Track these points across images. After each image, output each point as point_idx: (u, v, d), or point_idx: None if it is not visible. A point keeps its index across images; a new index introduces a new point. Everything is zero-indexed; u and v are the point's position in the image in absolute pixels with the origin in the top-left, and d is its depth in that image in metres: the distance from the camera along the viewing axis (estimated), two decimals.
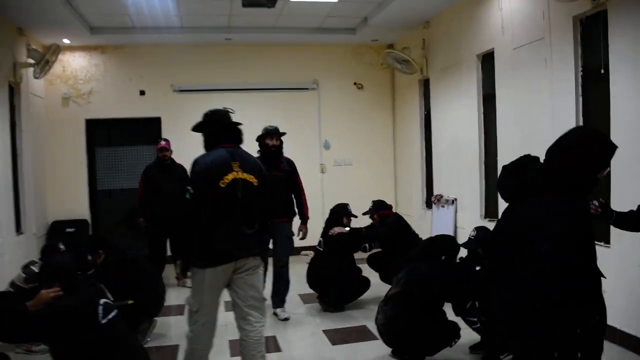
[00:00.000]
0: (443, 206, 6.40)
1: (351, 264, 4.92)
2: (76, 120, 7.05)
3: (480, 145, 5.59)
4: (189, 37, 6.90)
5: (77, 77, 7.06)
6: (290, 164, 4.67)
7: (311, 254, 7.39)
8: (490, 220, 5.20)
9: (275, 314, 4.65)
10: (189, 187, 2.83)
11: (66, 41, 6.68)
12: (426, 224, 6.72)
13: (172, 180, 5.57)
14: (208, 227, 2.77)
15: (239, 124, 3.03)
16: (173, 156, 5.90)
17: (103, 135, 7.32)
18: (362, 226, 5.19)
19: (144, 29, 6.52)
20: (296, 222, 4.80)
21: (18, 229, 5.89)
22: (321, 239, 4.96)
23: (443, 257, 3.60)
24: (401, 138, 7.85)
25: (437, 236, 4.37)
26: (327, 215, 5.10)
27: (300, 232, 4.76)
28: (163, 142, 5.84)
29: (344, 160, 7.82)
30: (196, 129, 3.00)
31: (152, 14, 5.99)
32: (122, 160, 7.26)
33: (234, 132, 2.98)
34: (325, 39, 7.31)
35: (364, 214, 5.16)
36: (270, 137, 4.43)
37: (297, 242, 4.87)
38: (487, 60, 5.41)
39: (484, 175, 5.58)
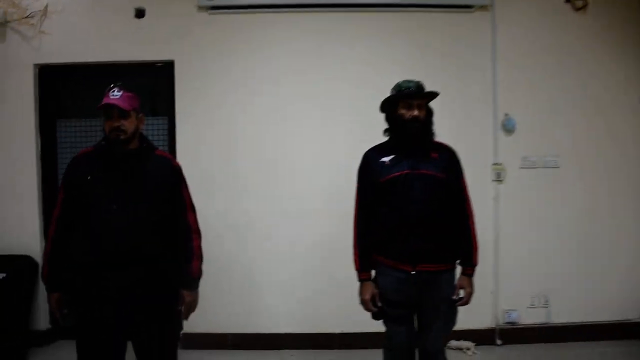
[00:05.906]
0: None
1: None
2: (20, 67, 3.69)
3: None
4: None
5: None
6: (452, 154, 2.40)
7: (471, 349, 3.57)
8: None
9: None
10: None
11: None
12: None
13: (137, 189, 2.20)
14: None
15: None
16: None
17: (69, 96, 3.86)
18: None
19: None
20: None
21: None
22: None
23: None
24: None
25: None
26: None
27: (461, 291, 2.33)
28: (115, 94, 2.15)
29: (543, 157, 3.81)
30: None
31: None
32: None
33: None
34: None
35: None
36: (408, 104, 2.29)
37: None
38: None
39: None
